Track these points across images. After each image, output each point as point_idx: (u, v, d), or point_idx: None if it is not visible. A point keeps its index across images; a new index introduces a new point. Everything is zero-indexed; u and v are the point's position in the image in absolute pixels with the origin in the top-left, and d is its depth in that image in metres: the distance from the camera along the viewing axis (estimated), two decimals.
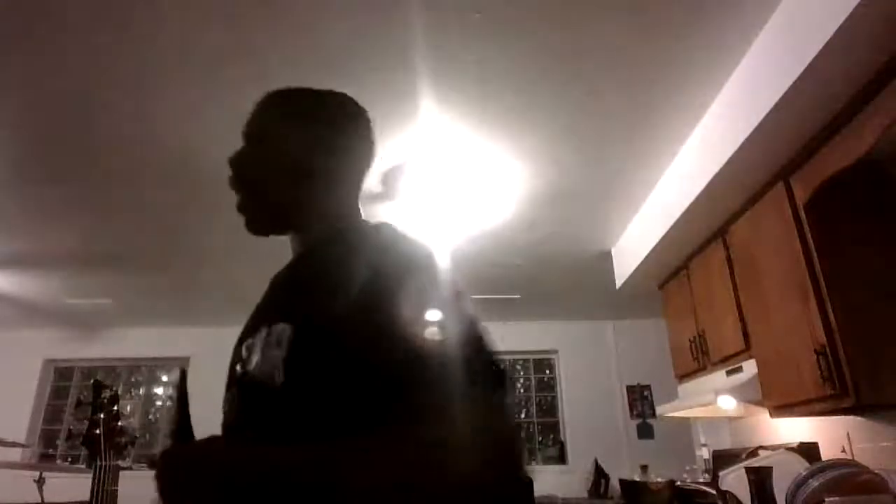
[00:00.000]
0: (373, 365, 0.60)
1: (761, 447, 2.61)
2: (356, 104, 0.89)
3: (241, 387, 0.74)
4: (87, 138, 2.35)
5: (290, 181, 0.81)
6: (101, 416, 1.43)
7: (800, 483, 1.87)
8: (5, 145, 2.41)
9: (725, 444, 3.32)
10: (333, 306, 0.65)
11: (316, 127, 0.83)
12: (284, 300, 0.78)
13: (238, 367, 0.76)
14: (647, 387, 4.98)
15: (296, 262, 0.84)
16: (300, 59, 1.90)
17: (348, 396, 0.61)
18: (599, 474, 4.53)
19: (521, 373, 5.38)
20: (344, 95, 0.89)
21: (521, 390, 5.34)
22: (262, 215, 0.83)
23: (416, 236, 0.73)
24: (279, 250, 3.42)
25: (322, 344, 0.64)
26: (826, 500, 1.74)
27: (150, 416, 5.39)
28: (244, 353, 0.76)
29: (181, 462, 0.64)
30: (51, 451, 5.14)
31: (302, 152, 0.81)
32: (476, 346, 0.63)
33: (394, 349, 0.59)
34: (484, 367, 0.62)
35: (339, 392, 0.62)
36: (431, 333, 0.60)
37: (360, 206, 0.88)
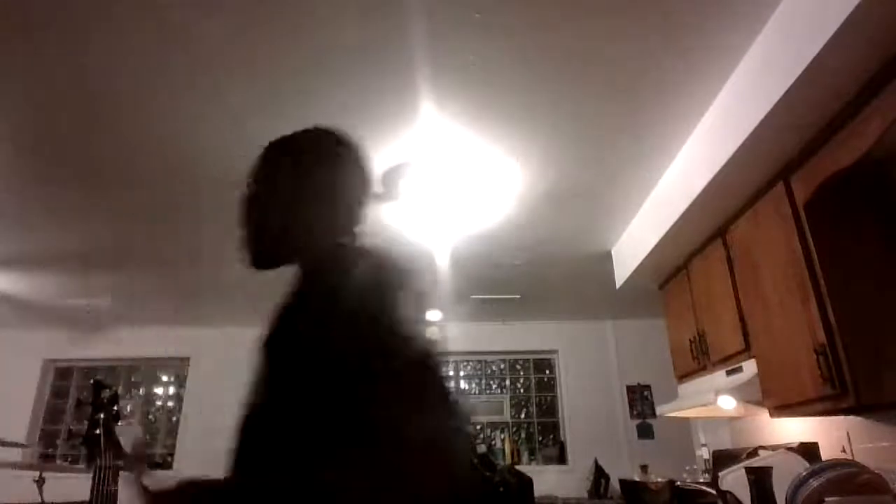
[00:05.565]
0: (334, 383, 0.64)
1: (761, 447, 2.61)
2: (343, 137, 0.95)
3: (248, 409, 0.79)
4: (87, 139, 2.35)
5: (282, 217, 0.89)
6: (101, 416, 1.43)
7: (800, 483, 1.87)
8: (6, 145, 2.41)
9: (725, 444, 3.32)
10: (298, 327, 0.71)
11: (301, 166, 0.91)
12: (271, 328, 0.82)
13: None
14: (647, 387, 4.98)
15: (288, 292, 0.89)
16: (301, 60, 1.90)
17: (315, 414, 0.65)
18: (599, 474, 4.53)
19: (521, 373, 5.38)
20: (328, 132, 0.95)
21: (522, 390, 5.34)
22: (261, 250, 0.91)
23: (399, 257, 0.77)
24: None
25: (287, 363, 0.70)
26: (826, 500, 1.74)
27: (150, 416, 5.38)
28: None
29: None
30: (51, 451, 5.14)
31: (290, 191, 0.89)
32: (426, 371, 0.67)
33: (353, 370, 0.63)
34: (436, 394, 0.67)
35: (306, 410, 0.66)
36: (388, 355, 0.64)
37: (355, 230, 0.92)
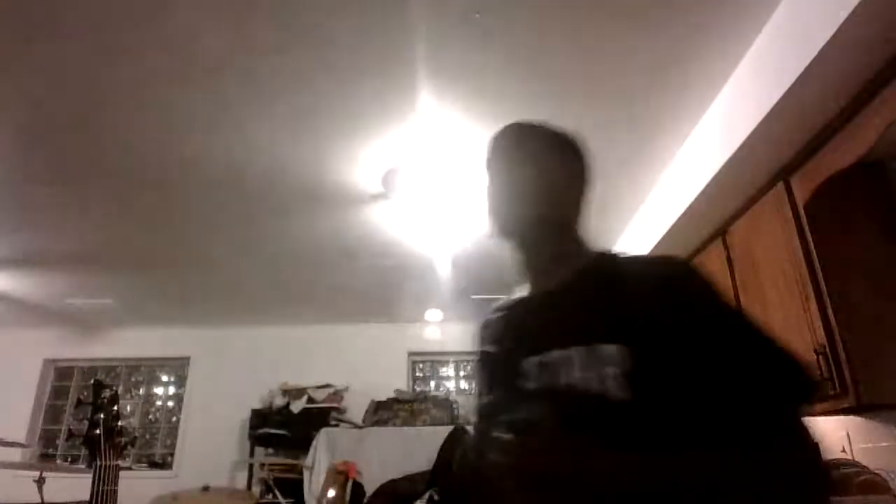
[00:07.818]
0: (717, 384, 0.70)
1: None
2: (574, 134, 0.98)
3: (555, 399, 0.77)
4: (88, 139, 2.35)
5: (547, 204, 0.90)
6: (101, 416, 1.43)
7: None
8: (6, 145, 2.41)
9: None
10: (661, 327, 0.73)
11: (566, 160, 0.94)
12: (586, 320, 0.80)
13: (528, 383, 0.81)
14: None
15: (574, 283, 0.86)
16: (300, 59, 1.90)
17: (692, 412, 0.69)
18: None
19: None
20: (563, 130, 0.99)
21: None
22: (513, 232, 0.96)
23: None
24: (278, 252, 3.40)
25: (663, 363, 0.71)
26: None
27: (150, 416, 5.38)
28: (535, 370, 0.80)
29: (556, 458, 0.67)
30: (51, 451, 5.14)
31: (561, 181, 0.92)
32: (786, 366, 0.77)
33: (734, 371, 0.72)
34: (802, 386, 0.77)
35: (684, 408, 0.70)
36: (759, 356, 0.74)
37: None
